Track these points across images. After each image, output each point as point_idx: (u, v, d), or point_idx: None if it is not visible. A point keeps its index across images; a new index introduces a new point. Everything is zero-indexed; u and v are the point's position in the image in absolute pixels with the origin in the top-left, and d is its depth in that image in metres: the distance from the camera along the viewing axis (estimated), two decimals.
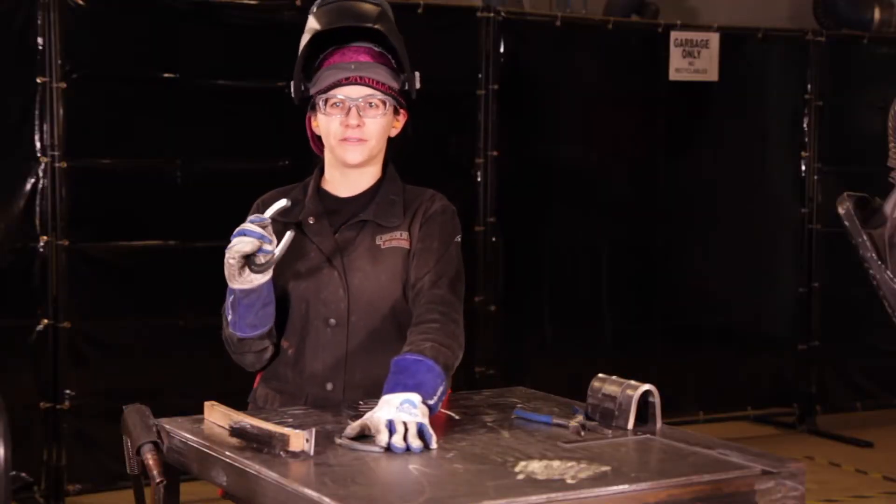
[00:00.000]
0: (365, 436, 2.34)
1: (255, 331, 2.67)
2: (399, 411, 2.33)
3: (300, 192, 2.84)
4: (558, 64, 6.18)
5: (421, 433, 2.31)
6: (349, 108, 2.72)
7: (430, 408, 2.41)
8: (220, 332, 2.78)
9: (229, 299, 2.64)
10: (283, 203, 2.58)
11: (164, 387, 5.17)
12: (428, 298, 2.67)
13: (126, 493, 3.35)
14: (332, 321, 2.73)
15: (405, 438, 2.28)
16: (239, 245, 2.53)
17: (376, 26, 2.71)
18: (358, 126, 2.72)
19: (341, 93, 2.72)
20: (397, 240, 2.76)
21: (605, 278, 6.35)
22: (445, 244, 2.76)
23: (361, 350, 2.73)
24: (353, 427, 2.34)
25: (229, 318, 2.66)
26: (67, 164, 5.04)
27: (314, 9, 2.79)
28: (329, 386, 2.74)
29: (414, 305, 2.70)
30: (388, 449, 2.27)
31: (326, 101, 2.74)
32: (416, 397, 2.38)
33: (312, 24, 2.74)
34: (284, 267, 2.72)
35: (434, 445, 2.30)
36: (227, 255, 2.55)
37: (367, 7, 2.76)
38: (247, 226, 2.54)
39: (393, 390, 2.40)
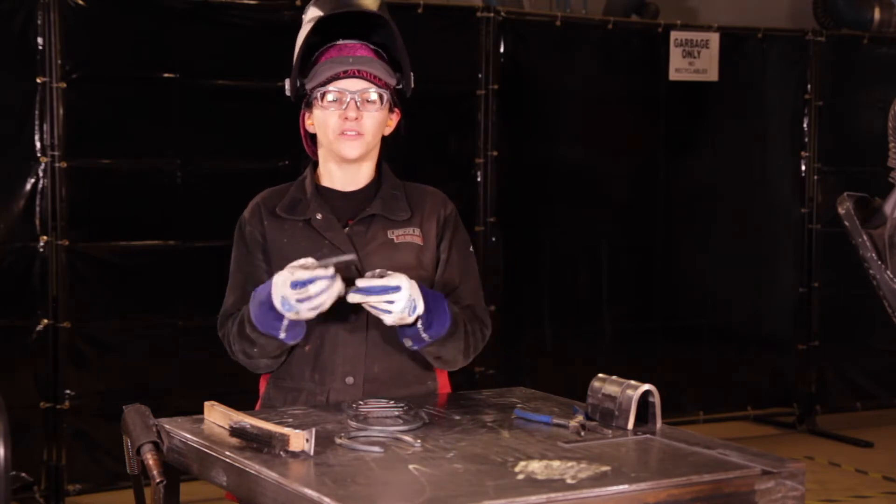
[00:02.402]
0: (368, 430, 2.36)
1: (304, 329, 2.68)
2: (406, 301, 2.54)
3: (297, 190, 2.84)
4: (558, 64, 6.18)
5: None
6: (347, 102, 2.73)
7: (411, 332, 2.64)
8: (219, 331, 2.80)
9: (283, 323, 2.59)
10: (348, 257, 2.58)
11: (163, 387, 5.17)
12: (460, 308, 2.79)
13: (126, 493, 3.35)
14: (352, 316, 2.74)
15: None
16: (326, 298, 2.52)
17: (379, 12, 2.74)
18: (356, 119, 2.73)
19: (339, 86, 2.74)
20: (410, 235, 2.81)
21: (604, 278, 6.34)
22: (466, 257, 2.87)
23: (380, 343, 2.76)
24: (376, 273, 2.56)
25: (282, 335, 2.63)
26: (67, 164, 5.04)
27: (311, 3, 2.80)
28: (349, 380, 2.76)
29: None
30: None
31: (324, 94, 2.75)
32: (420, 309, 2.59)
33: (313, 12, 2.75)
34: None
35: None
36: (307, 307, 2.52)
37: (368, 0, 2.78)
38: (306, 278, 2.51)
39: (424, 292, 2.60)
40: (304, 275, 2.50)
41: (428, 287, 2.77)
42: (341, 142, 2.76)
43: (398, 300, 2.54)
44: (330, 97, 2.75)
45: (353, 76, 2.74)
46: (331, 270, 2.51)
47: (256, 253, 2.80)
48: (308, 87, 2.78)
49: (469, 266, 2.87)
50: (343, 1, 2.75)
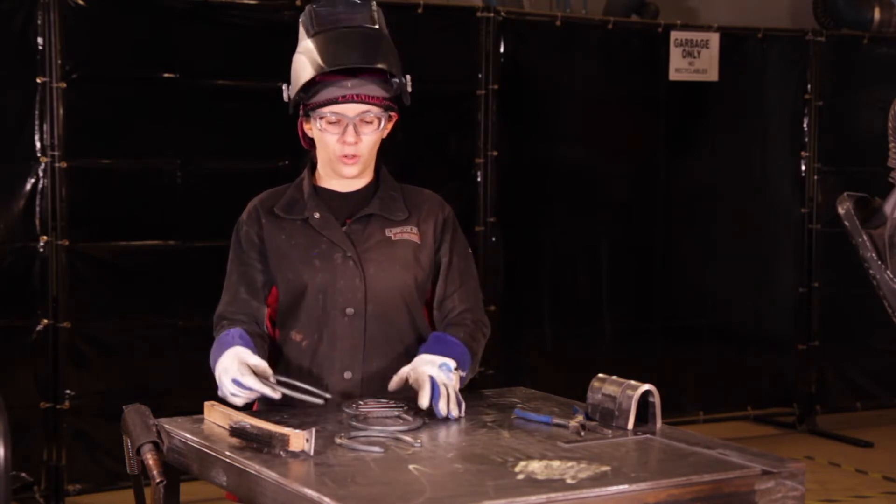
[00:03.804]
0: (365, 429, 2.36)
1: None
2: (439, 371, 2.59)
3: (295, 191, 2.86)
4: (558, 64, 6.18)
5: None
6: (346, 126, 2.74)
7: (461, 380, 2.68)
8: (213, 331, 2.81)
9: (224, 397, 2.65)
10: (316, 400, 2.56)
11: (163, 387, 5.17)
12: (461, 312, 2.84)
13: (126, 493, 3.35)
14: (350, 311, 2.76)
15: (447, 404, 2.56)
16: (239, 401, 2.59)
17: (380, 66, 2.71)
18: (354, 143, 2.73)
19: (337, 110, 2.74)
20: (408, 234, 2.83)
21: (604, 278, 6.34)
22: (466, 259, 2.90)
23: (378, 339, 2.77)
24: (395, 381, 2.63)
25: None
26: (67, 164, 5.04)
27: (309, 27, 2.77)
28: (347, 375, 2.77)
29: (442, 315, 2.85)
30: (430, 413, 2.51)
31: (322, 117, 2.75)
32: (452, 363, 2.63)
33: (313, 53, 2.71)
34: (295, 260, 2.74)
35: (463, 414, 2.58)
36: (235, 400, 2.57)
37: (368, 32, 2.75)
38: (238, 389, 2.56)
39: (432, 352, 2.65)
40: (252, 385, 2.53)
41: (424, 288, 2.82)
42: (341, 165, 2.77)
43: (448, 378, 2.62)
44: (328, 121, 2.75)
45: (352, 101, 2.73)
46: (278, 395, 2.53)
47: (252, 253, 2.82)
48: (306, 102, 2.78)
49: (469, 269, 2.89)
50: (344, 45, 2.71)
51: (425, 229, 2.84)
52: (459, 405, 2.58)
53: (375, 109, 2.75)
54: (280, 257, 2.78)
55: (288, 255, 2.77)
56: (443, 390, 2.57)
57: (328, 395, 2.58)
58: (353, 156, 2.75)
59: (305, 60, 2.73)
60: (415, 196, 2.89)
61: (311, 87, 2.76)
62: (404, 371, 2.64)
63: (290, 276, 2.77)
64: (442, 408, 2.55)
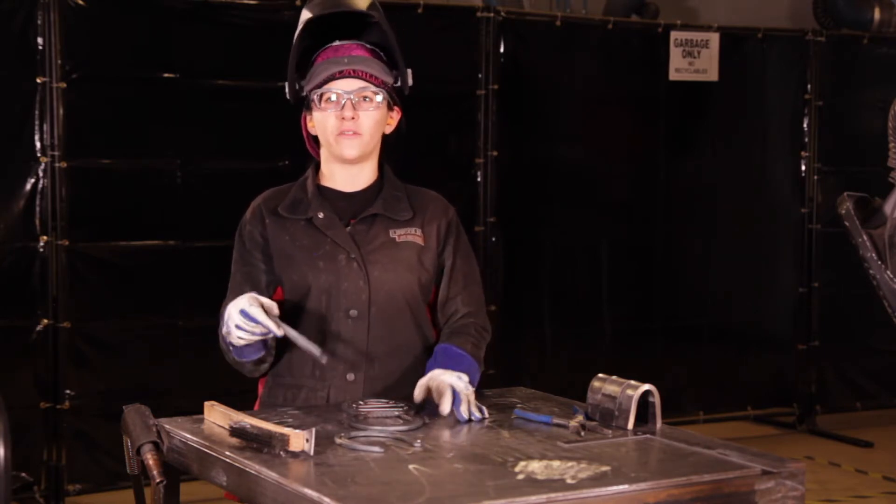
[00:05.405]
0: (367, 431, 2.36)
1: (259, 353, 2.70)
2: (458, 380, 2.60)
3: (299, 190, 2.85)
4: (558, 64, 6.18)
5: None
6: (343, 102, 2.74)
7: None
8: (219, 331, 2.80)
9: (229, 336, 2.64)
10: (314, 352, 2.57)
11: (163, 387, 5.17)
12: (463, 315, 2.85)
13: (126, 493, 3.35)
14: (354, 312, 2.75)
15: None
16: (243, 336, 2.57)
17: (369, 11, 2.75)
18: (353, 119, 2.74)
19: (335, 87, 2.75)
20: (412, 235, 2.82)
21: (604, 278, 6.34)
22: (469, 261, 2.90)
23: (381, 341, 2.77)
24: (418, 392, 2.62)
25: (232, 352, 2.69)
26: (67, 164, 5.04)
27: (304, 10, 2.82)
28: (350, 377, 2.76)
29: (444, 318, 2.86)
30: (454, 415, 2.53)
31: (321, 96, 2.76)
32: (465, 377, 2.64)
33: (305, 15, 2.79)
34: (299, 261, 2.74)
35: (486, 416, 2.59)
36: (237, 335, 2.57)
37: (360, 1, 2.79)
38: (243, 323, 2.55)
39: (443, 367, 2.66)
40: (258, 316, 2.52)
41: (427, 289, 2.83)
42: (340, 142, 2.76)
43: (466, 387, 2.64)
44: (327, 98, 2.75)
45: (349, 76, 2.75)
46: (280, 332, 2.54)
47: (255, 253, 2.82)
48: (306, 89, 2.79)
49: (472, 271, 2.90)
50: (333, 2, 2.76)
51: (429, 231, 2.84)
52: (480, 409, 2.59)
53: (374, 88, 2.75)
54: (284, 258, 2.78)
55: (292, 256, 2.77)
56: (463, 397, 2.59)
57: (326, 357, 2.59)
58: (353, 133, 2.74)
59: (299, 28, 2.78)
60: (419, 196, 2.89)
61: (309, 70, 2.78)
62: (423, 382, 2.65)
63: (294, 277, 2.77)
64: (464, 411, 2.57)
